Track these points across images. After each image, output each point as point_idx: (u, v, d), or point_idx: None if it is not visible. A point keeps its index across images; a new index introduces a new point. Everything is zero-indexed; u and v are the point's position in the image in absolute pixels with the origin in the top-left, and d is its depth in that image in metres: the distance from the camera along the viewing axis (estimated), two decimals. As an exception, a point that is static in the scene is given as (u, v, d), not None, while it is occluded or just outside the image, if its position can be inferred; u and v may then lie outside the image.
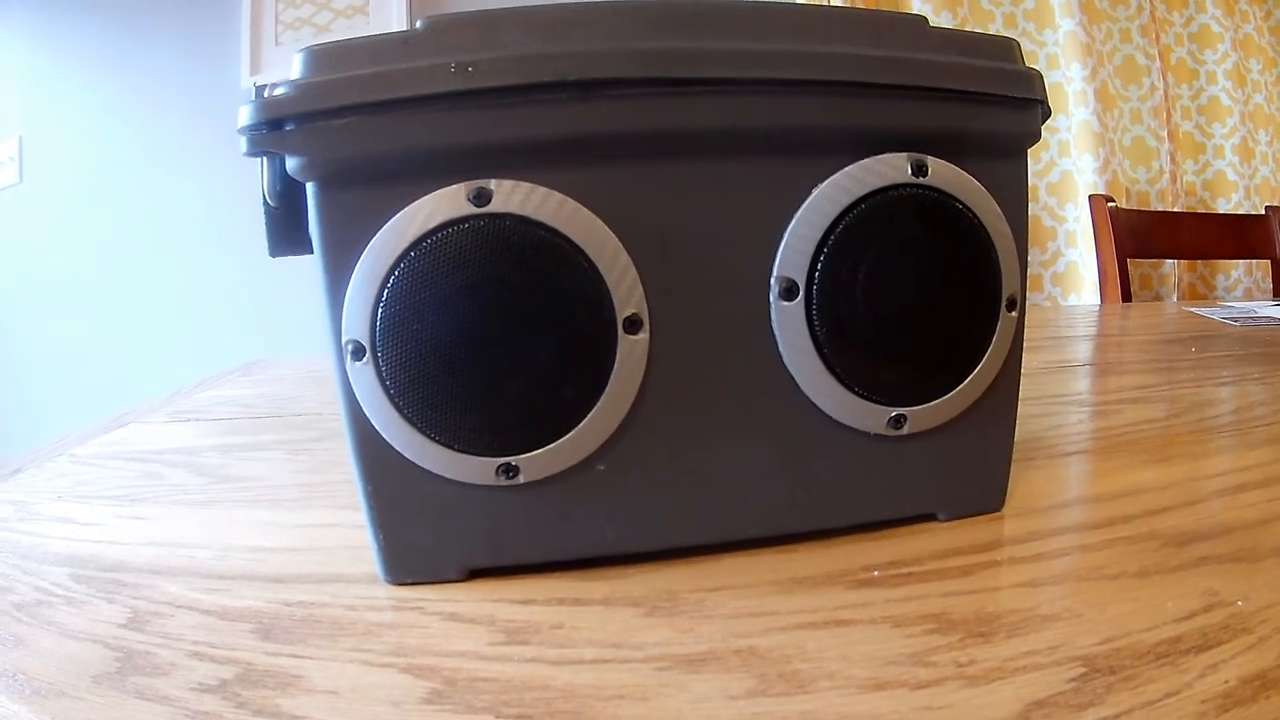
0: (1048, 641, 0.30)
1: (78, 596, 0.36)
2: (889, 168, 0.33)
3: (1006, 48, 0.36)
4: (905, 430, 0.35)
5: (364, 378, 0.31)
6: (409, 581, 0.34)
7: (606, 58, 0.29)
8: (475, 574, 0.35)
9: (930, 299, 0.34)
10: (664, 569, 0.36)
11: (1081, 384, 0.73)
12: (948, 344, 0.35)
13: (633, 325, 0.32)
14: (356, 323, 0.31)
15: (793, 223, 0.33)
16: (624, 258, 0.31)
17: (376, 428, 0.32)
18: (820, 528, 0.37)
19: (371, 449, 0.32)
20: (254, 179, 0.35)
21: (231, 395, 0.83)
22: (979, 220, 0.34)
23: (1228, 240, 1.62)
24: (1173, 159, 1.77)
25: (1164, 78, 1.80)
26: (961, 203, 0.33)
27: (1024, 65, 0.35)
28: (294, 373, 0.95)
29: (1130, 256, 1.48)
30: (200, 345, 2.02)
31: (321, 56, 0.30)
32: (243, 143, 0.30)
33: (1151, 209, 1.76)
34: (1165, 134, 1.75)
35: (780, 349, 0.33)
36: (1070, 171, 1.71)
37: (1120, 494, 0.44)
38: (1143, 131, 1.79)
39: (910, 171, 0.33)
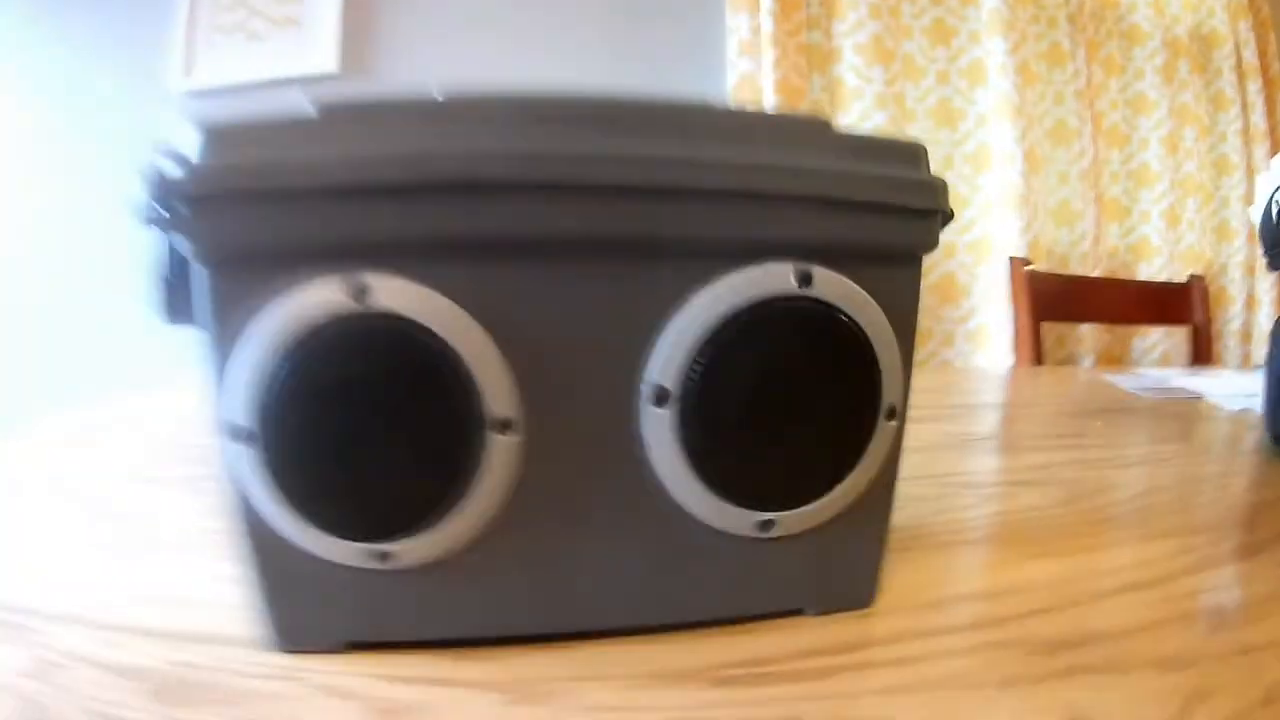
0: None
1: None
2: (772, 277, 0.34)
3: (913, 154, 0.37)
4: (774, 533, 0.36)
5: (243, 458, 0.32)
6: (292, 650, 0.35)
7: (486, 159, 0.31)
8: (356, 645, 0.36)
9: (807, 409, 0.35)
10: (534, 654, 0.37)
11: (978, 461, 0.74)
12: (821, 452, 0.36)
13: (504, 427, 0.33)
14: (237, 406, 0.31)
15: (666, 330, 0.34)
16: (498, 361, 0.32)
17: (255, 507, 0.33)
18: (685, 621, 0.38)
19: (252, 526, 0.33)
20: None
21: (138, 417, 0.82)
22: (863, 333, 0.35)
23: (1145, 307, 1.69)
24: (1097, 223, 1.85)
25: (1095, 142, 1.87)
26: (846, 314, 0.35)
27: (928, 173, 0.36)
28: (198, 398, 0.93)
29: (1045, 320, 1.53)
30: (115, 351, 1.96)
31: (218, 137, 0.30)
32: (137, 214, 0.31)
33: (1071, 272, 1.83)
34: (1092, 197, 1.82)
35: (648, 452, 0.35)
36: (990, 232, 1.76)
37: (997, 592, 0.44)
38: (1069, 194, 1.86)
39: (795, 282, 0.34)
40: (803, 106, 1.77)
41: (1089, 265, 1.90)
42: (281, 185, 0.30)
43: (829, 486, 0.36)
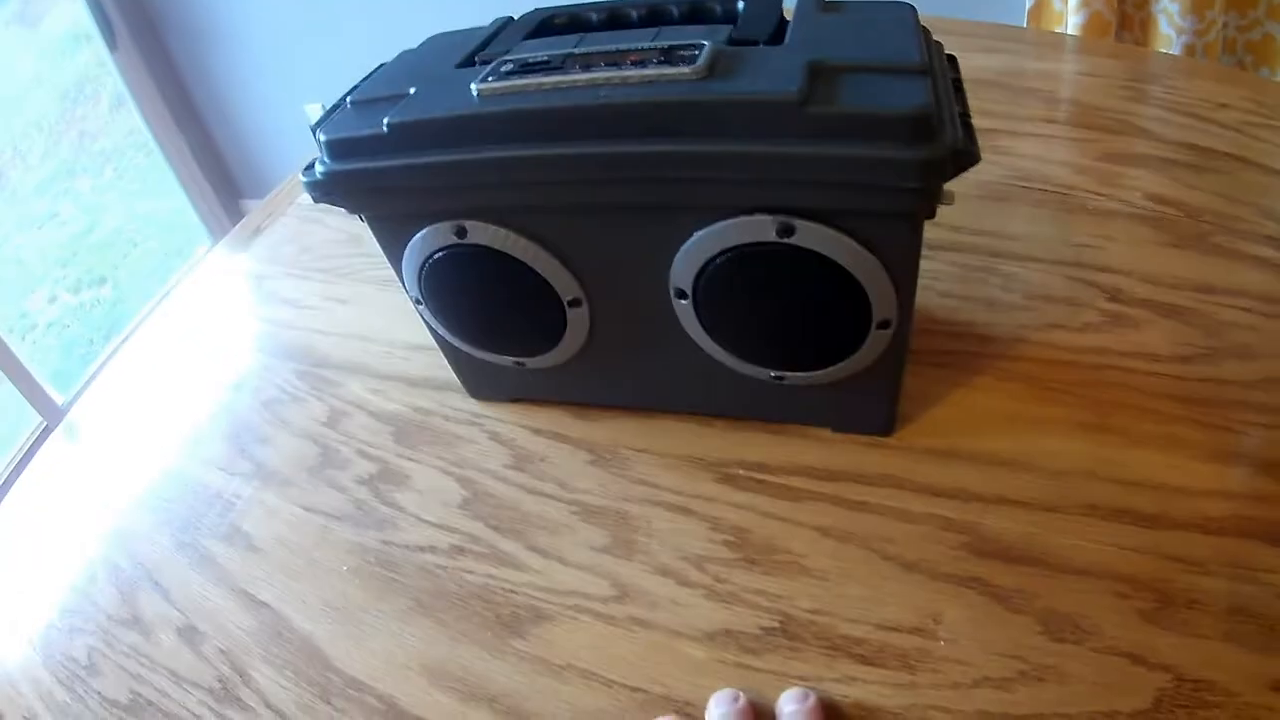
0: (781, 589, 0.37)
1: (299, 393, 0.54)
2: (755, 227, 0.34)
3: (900, 128, 0.30)
4: (787, 382, 0.40)
5: (425, 314, 0.44)
6: (479, 398, 0.49)
7: (540, 163, 0.34)
8: (516, 399, 0.48)
9: (790, 317, 0.37)
10: (624, 420, 0.46)
11: (1157, 257, 0.51)
12: (813, 343, 0.38)
13: (574, 304, 0.41)
14: (412, 288, 0.43)
15: (680, 254, 0.36)
16: (562, 270, 0.38)
17: (441, 334, 0.45)
18: (729, 415, 0.44)
19: (444, 342, 0.46)
20: None
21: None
22: (845, 270, 0.34)
23: None
24: None
25: None
26: (826, 256, 0.34)
27: (918, 148, 0.30)
28: None
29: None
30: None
31: (333, 149, 0.37)
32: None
33: None
34: None
35: (683, 325, 0.40)
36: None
37: (1002, 461, 0.39)
38: None
39: (775, 232, 0.34)
40: None
41: None
42: (377, 185, 0.37)
43: (827, 365, 0.39)
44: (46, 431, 1.65)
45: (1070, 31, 1.36)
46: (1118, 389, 0.42)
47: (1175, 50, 1.33)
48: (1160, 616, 0.32)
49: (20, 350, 1.63)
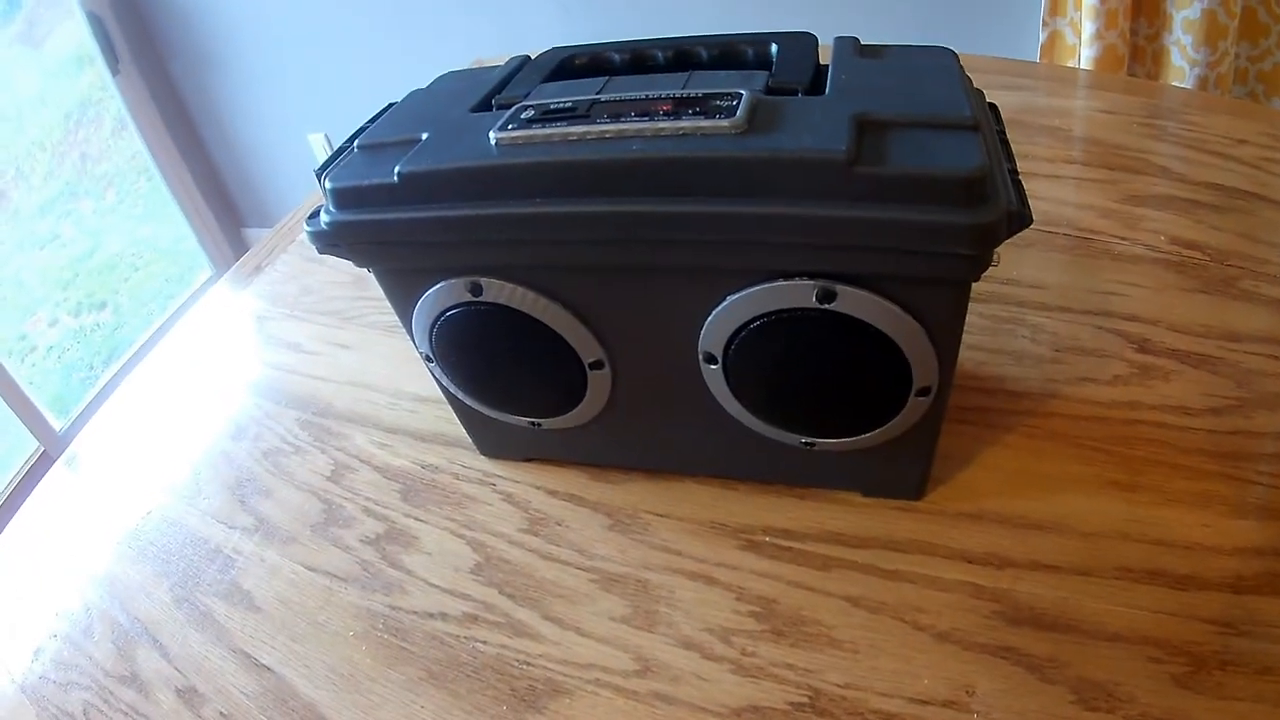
0: (810, 663, 0.35)
1: (302, 444, 0.52)
2: (793, 292, 0.32)
3: (955, 191, 0.28)
4: (817, 449, 0.38)
5: (435, 371, 0.42)
6: (490, 457, 0.47)
7: (564, 221, 0.32)
8: (530, 458, 0.46)
9: (825, 384, 0.35)
10: (644, 482, 0.44)
11: (1185, 304, 0.50)
12: (847, 410, 0.36)
13: (596, 365, 0.38)
14: (422, 344, 0.41)
15: (711, 317, 0.34)
16: (581, 329, 0.36)
17: (451, 392, 0.43)
18: (754, 479, 0.42)
19: (454, 399, 0.43)
20: None
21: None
22: (886, 336, 0.32)
23: None
24: None
25: None
26: (867, 323, 0.32)
27: (973, 212, 0.28)
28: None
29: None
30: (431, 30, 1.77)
31: (339, 196, 0.35)
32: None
33: None
34: None
35: (710, 387, 0.38)
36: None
37: (1035, 524, 0.38)
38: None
39: (815, 298, 0.32)
40: None
41: None
42: (387, 238, 0.35)
43: (861, 432, 0.37)
44: (43, 458, 1.64)
45: (1083, 65, 1.36)
46: (1149, 444, 0.41)
47: (1188, 82, 1.32)
48: (1193, 681, 0.32)
49: (19, 373, 1.61)
